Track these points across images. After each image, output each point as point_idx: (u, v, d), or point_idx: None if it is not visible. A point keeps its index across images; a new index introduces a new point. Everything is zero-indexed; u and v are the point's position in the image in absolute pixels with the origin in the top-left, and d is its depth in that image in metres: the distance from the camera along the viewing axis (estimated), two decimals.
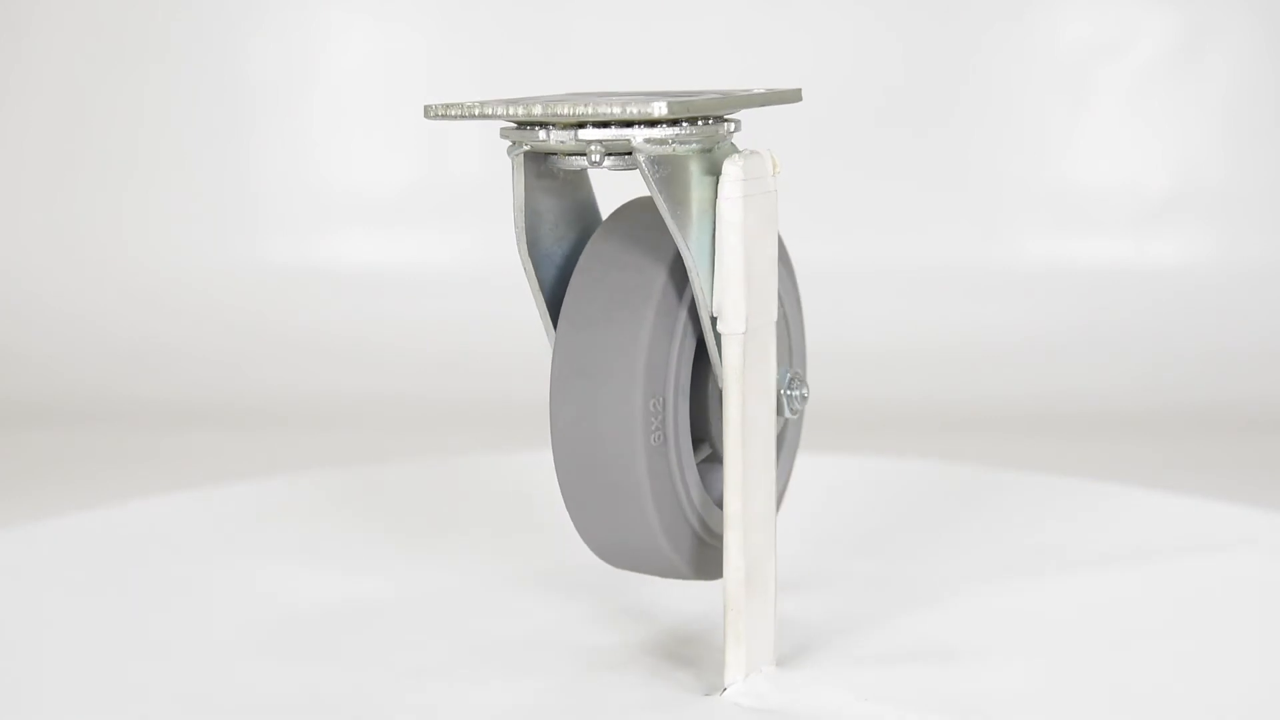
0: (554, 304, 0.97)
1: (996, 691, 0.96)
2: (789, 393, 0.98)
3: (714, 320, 0.91)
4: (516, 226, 0.96)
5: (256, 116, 2.30)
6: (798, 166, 2.15)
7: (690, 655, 1.03)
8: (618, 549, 0.96)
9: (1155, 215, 2.21)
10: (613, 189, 0.99)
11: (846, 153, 2.24)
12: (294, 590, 1.19)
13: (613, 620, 1.11)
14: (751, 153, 0.92)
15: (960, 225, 2.23)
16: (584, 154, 0.91)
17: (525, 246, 0.96)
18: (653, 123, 0.89)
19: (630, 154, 0.90)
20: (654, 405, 0.91)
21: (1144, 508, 1.37)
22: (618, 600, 1.14)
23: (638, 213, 0.95)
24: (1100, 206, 2.22)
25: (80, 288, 2.20)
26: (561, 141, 0.91)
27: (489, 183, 1.88)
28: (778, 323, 0.99)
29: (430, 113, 0.92)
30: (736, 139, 0.96)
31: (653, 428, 0.91)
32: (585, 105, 0.89)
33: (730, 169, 0.90)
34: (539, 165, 0.96)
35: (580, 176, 0.99)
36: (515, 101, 0.91)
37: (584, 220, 0.99)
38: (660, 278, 0.92)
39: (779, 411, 0.98)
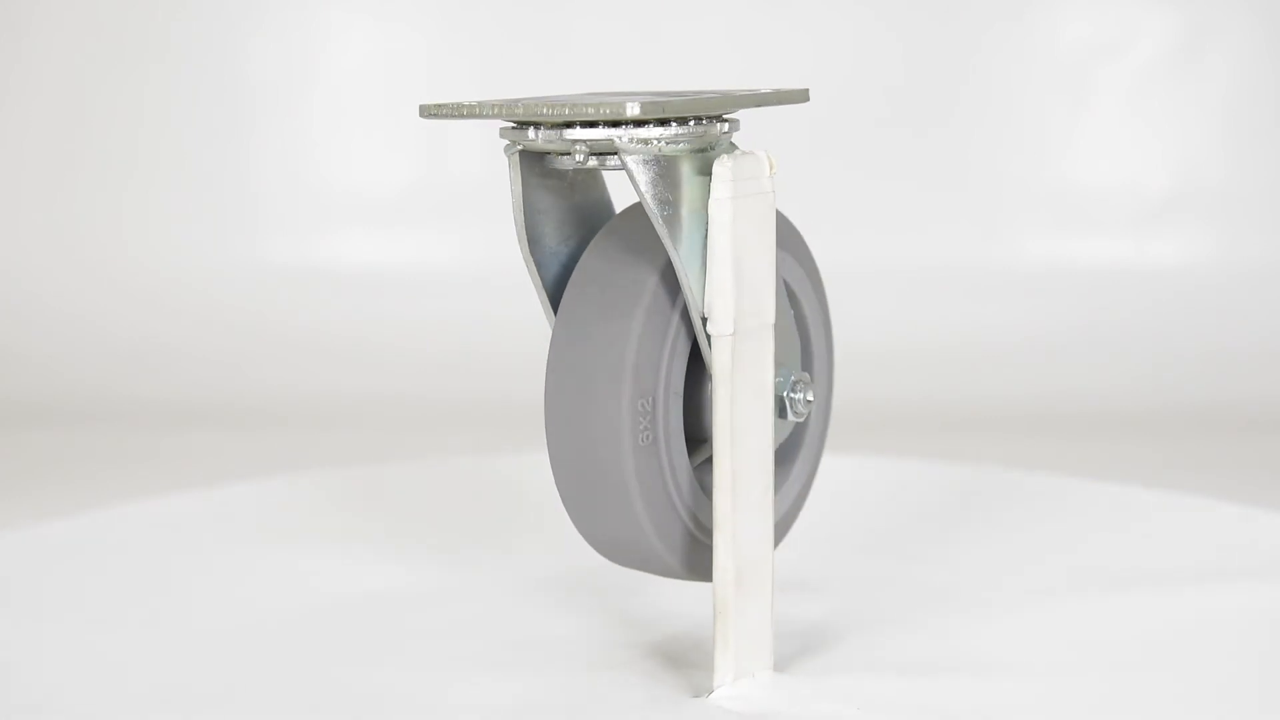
0: (557, 302, 0.97)
1: (995, 710, 0.94)
2: (793, 395, 0.98)
3: (705, 321, 0.91)
4: (516, 224, 0.96)
5: (256, 116, 2.30)
6: (798, 166, 2.15)
7: (693, 658, 1.03)
8: (613, 546, 0.96)
9: (1155, 215, 2.21)
10: (631, 190, 1.00)
11: (846, 153, 2.24)
12: (294, 590, 1.19)
13: (614, 621, 1.11)
14: (744, 153, 0.92)
15: (960, 225, 2.23)
16: (569, 153, 0.91)
17: (526, 244, 0.96)
18: (639, 123, 0.89)
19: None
20: (643, 405, 0.91)
21: (1146, 508, 1.37)
22: (619, 601, 1.14)
23: (642, 214, 0.95)
24: (1100, 206, 2.22)
25: (80, 288, 2.20)
26: (549, 141, 0.92)
27: (489, 183, 1.88)
28: (790, 325, 0.99)
29: (425, 112, 0.92)
30: (737, 139, 0.96)
31: (641, 427, 0.91)
32: (565, 106, 0.89)
33: (719, 170, 0.90)
34: (540, 165, 0.96)
35: (591, 177, 0.99)
36: (502, 102, 0.91)
37: (594, 221, 0.99)
38: (652, 279, 0.92)
39: (782, 414, 0.98)
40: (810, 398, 0.98)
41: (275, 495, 1.45)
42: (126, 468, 1.67)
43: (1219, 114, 2.23)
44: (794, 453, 1.04)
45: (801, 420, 0.99)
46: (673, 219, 0.89)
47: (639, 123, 0.89)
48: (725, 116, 0.93)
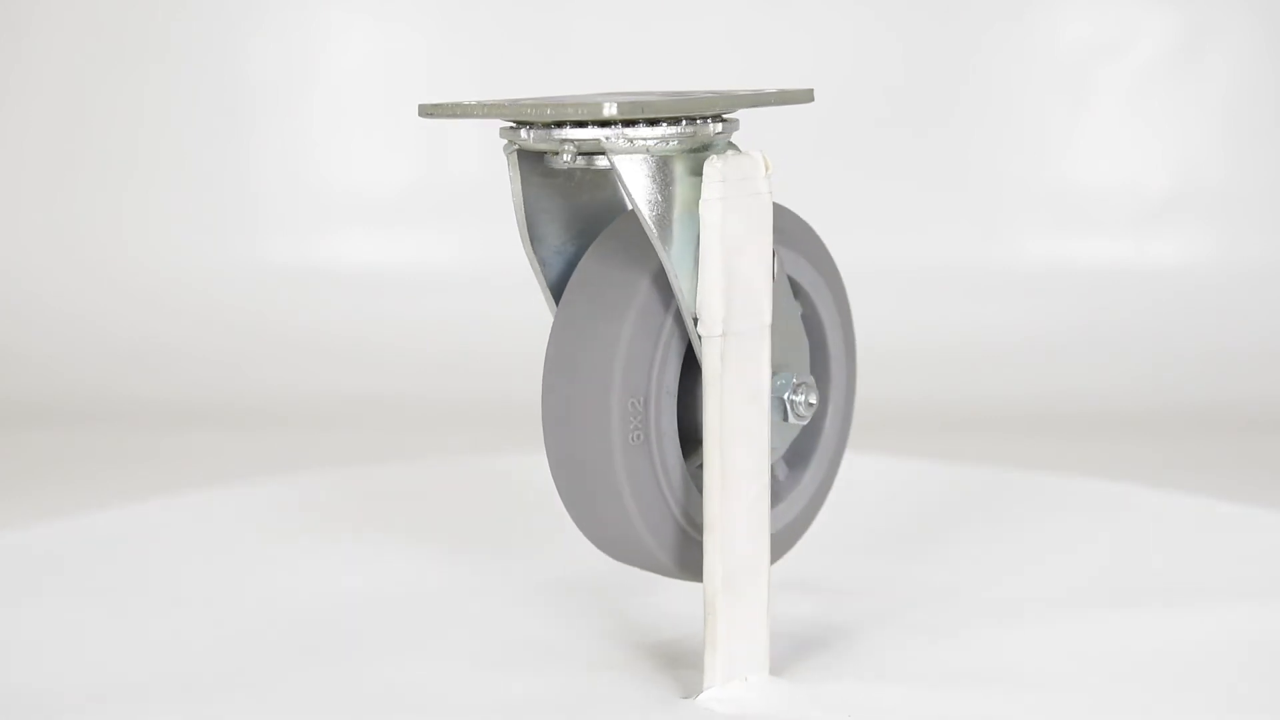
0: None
1: None
2: (794, 398, 0.97)
3: (695, 321, 0.91)
4: (518, 223, 0.97)
5: (256, 116, 2.30)
6: (798, 166, 2.15)
7: (693, 660, 1.02)
8: (608, 542, 0.97)
9: (1155, 215, 2.21)
10: None
11: (846, 153, 2.24)
12: (294, 590, 1.19)
13: (615, 621, 1.11)
14: (737, 153, 0.91)
15: (960, 225, 2.23)
16: (558, 153, 0.92)
17: (528, 242, 0.97)
18: (628, 123, 0.89)
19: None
20: (633, 405, 0.91)
21: (1149, 508, 1.37)
22: (620, 602, 1.14)
23: None
24: (1100, 206, 2.22)
25: (80, 288, 2.20)
26: (540, 140, 0.92)
27: (488, 183, 1.88)
28: (797, 327, 0.98)
29: (423, 111, 0.92)
30: (736, 139, 0.96)
31: (632, 426, 0.91)
32: (547, 105, 0.89)
33: (708, 170, 0.90)
34: (541, 164, 0.96)
35: (601, 176, 0.99)
36: (493, 104, 0.91)
37: (602, 220, 0.99)
38: (645, 279, 0.92)
39: (783, 417, 0.97)
40: (813, 400, 0.97)
41: (275, 495, 1.45)
42: (126, 468, 1.67)
43: (1219, 114, 2.23)
44: (807, 457, 1.03)
45: (804, 423, 0.98)
46: (663, 219, 0.89)
47: (628, 123, 0.89)
48: (725, 116, 0.93)
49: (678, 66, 2.22)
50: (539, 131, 0.92)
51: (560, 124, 0.90)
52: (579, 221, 0.99)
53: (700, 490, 0.95)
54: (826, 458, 1.04)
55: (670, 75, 2.04)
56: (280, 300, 2.18)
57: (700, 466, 0.96)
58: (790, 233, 1.00)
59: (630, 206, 0.99)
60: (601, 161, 0.91)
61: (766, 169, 0.92)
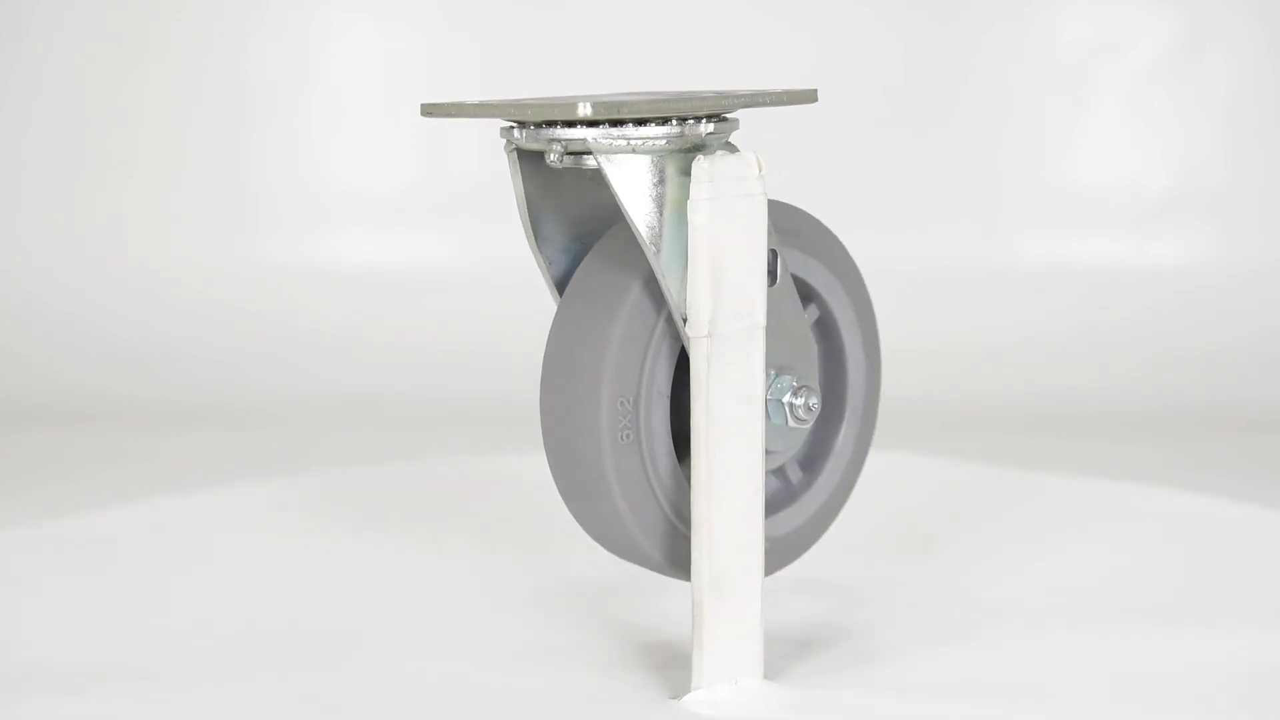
0: None
1: None
2: (793, 401, 0.96)
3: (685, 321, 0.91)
4: (522, 221, 0.97)
5: (256, 116, 2.30)
6: (798, 166, 2.15)
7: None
8: (603, 539, 0.97)
9: (1155, 215, 2.21)
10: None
11: (846, 153, 2.24)
12: (294, 590, 1.19)
13: (614, 621, 1.11)
14: (727, 154, 0.91)
15: (960, 225, 2.23)
16: (547, 152, 0.92)
17: (533, 241, 0.97)
18: (615, 123, 0.89)
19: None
20: (622, 404, 0.91)
21: (1149, 507, 1.37)
22: (621, 602, 1.14)
23: None
24: (1100, 206, 2.22)
25: (80, 288, 2.20)
26: (532, 140, 0.92)
27: (488, 182, 1.88)
28: (803, 330, 0.98)
29: (424, 110, 0.93)
30: (735, 139, 0.96)
31: (621, 425, 0.91)
32: (528, 106, 0.89)
33: (695, 170, 0.89)
34: (543, 164, 0.96)
35: (602, 176, 0.99)
36: (486, 104, 0.91)
37: (610, 220, 0.99)
38: (638, 280, 0.92)
39: (781, 419, 0.97)
40: (814, 404, 0.97)
41: (275, 495, 1.45)
42: (126, 468, 1.67)
43: (1219, 114, 2.23)
44: (822, 461, 1.03)
45: (805, 426, 0.98)
46: (650, 219, 0.89)
47: (615, 123, 0.89)
48: (725, 116, 0.93)
49: (678, 66, 2.22)
50: (530, 131, 0.92)
51: (551, 123, 0.90)
52: (585, 220, 0.99)
53: None
54: (843, 462, 1.04)
55: (670, 75, 2.04)
56: (280, 300, 2.18)
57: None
58: (804, 235, 0.99)
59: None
60: (590, 161, 0.91)
61: (760, 169, 0.92)
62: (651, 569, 0.98)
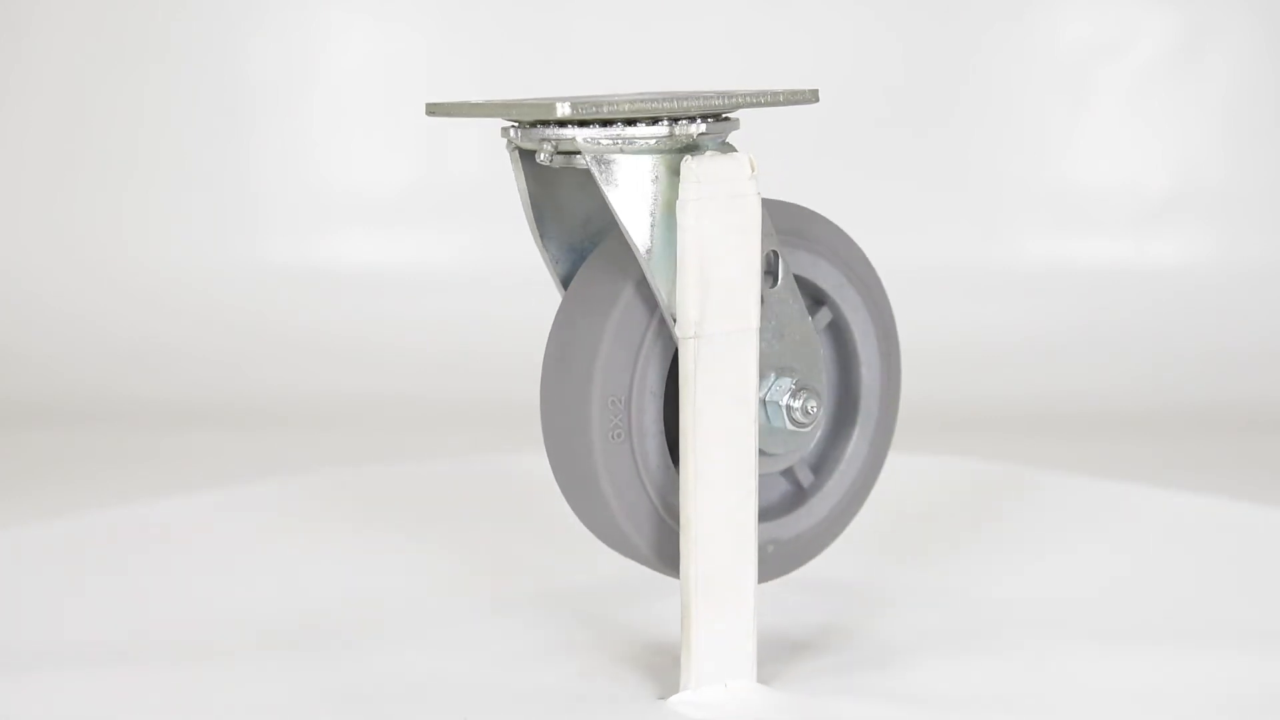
0: None
1: None
2: (791, 404, 0.96)
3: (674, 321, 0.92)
4: (527, 220, 0.98)
5: (256, 116, 2.30)
6: (798, 166, 2.15)
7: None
8: (600, 534, 0.98)
9: (1155, 215, 2.21)
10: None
11: (846, 153, 2.24)
12: (294, 589, 1.19)
13: (614, 622, 1.11)
14: (717, 154, 0.91)
15: (960, 225, 2.23)
16: (537, 151, 0.92)
17: (538, 239, 0.98)
18: (605, 123, 0.89)
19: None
20: (613, 403, 0.92)
21: (1149, 507, 1.37)
22: (622, 602, 1.14)
23: None
24: (1100, 206, 2.22)
25: (80, 288, 2.20)
26: (525, 139, 0.92)
27: (489, 182, 1.88)
28: (806, 332, 0.97)
29: (429, 110, 0.93)
30: (734, 138, 0.96)
31: (612, 424, 0.92)
32: (514, 106, 0.90)
33: (684, 171, 0.89)
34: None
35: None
36: (481, 104, 0.92)
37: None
38: (631, 280, 0.92)
39: (779, 422, 0.96)
40: (813, 407, 0.96)
41: (275, 495, 1.45)
42: (126, 468, 1.67)
43: (1219, 114, 2.23)
44: (834, 464, 1.03)
45: (806, 430, 0.97)
46: (638, 219, 0.89)
47: (605, 122, 0.89)
48: (724, 116, 0.93)
49: (678, 66, 2.22)
50: (524, 130, 0.92)
51: (544, 123, 0.91)
52: (591, 219, 0.99)
53: None
54: (856, 465, 1.03)
55: (671, 75, 2.04)
56: (280, 300, 2.18)
57: None
58: (813, 236, 0.99)
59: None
60: (581, 160, 0.91)
61: (752, 170, 0.91)
62: (642, 563, 0.98)
